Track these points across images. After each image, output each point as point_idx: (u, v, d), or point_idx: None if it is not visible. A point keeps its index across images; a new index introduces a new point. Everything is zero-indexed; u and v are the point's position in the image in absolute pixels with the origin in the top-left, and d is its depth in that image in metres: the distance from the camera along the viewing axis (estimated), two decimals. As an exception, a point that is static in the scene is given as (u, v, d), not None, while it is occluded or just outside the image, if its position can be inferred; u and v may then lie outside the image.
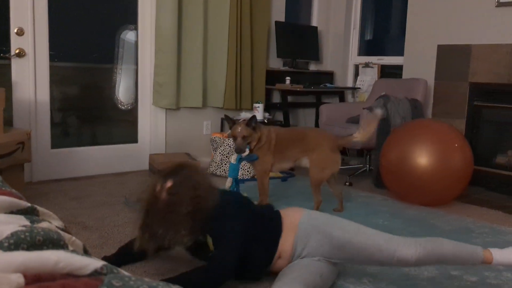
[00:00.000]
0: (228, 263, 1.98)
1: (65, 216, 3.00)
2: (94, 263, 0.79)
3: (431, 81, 4.58)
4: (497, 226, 3.21)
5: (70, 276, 0.76)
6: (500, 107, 4.22)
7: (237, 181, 3.25)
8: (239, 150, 3.04)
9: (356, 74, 5.65)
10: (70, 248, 0.97)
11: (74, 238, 1.02)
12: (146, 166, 4.44)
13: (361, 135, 3.10)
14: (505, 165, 4.20)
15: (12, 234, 0.85)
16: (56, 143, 4.03)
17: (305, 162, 3.24)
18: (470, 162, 3.61)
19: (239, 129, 3.04)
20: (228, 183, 3.20)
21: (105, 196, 3.56)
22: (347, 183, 4.23)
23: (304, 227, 2.09)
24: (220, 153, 4.33)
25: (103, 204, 3.34)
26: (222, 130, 4.85)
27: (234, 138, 3.07)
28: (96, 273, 0.77)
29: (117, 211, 3.19)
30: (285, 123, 4.82)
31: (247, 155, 3.12)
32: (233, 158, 3.17)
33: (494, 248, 2.05)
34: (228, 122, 3.17)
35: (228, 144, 4.31)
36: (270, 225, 2.14)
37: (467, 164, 3.58)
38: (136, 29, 4.41)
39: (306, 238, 2.07)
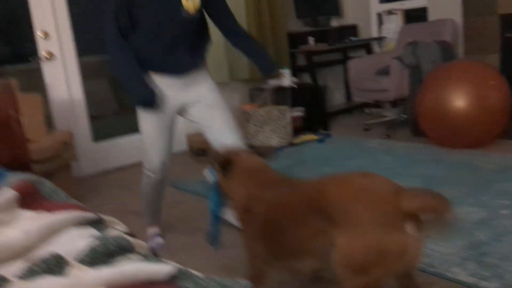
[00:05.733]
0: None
1: (117, 206, 3.11)
2: (165, 268, 0.86)
3: (458, 19, 4.44)
4: (543, 160, 3.17)
5: (146, 283, 0.83)
6: (534, 35, 4.08)
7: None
8: None
9: (380, 23, 5.53)
10: (136, 250, 1.05)
11: (138, 240, 1.11)
12: (184, 147, 4.52)
13: None
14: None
15: (88, 248, 0.93)
16: (97, 136, 4.16)
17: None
18: (508, 97, 3.54)
19: None
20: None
21: (151, 181, 3.66)
22: (384, 136, 4.22)
23: None
24: (253, 124, 4.37)
25: (151, 190, 3.43)
26: (252, 101, 4.87)
27: None
28: (169, 277, 0.85)
29: (165, 193, 3.28)
30: (314, 85, 4.80)
31: None
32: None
33: None
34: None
35: (259, 114, 4.34)
36: None
37: (505, 99, 3.51)
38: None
39: None
